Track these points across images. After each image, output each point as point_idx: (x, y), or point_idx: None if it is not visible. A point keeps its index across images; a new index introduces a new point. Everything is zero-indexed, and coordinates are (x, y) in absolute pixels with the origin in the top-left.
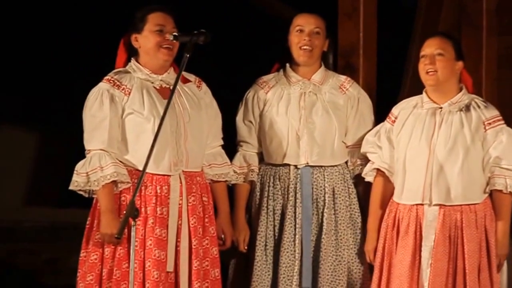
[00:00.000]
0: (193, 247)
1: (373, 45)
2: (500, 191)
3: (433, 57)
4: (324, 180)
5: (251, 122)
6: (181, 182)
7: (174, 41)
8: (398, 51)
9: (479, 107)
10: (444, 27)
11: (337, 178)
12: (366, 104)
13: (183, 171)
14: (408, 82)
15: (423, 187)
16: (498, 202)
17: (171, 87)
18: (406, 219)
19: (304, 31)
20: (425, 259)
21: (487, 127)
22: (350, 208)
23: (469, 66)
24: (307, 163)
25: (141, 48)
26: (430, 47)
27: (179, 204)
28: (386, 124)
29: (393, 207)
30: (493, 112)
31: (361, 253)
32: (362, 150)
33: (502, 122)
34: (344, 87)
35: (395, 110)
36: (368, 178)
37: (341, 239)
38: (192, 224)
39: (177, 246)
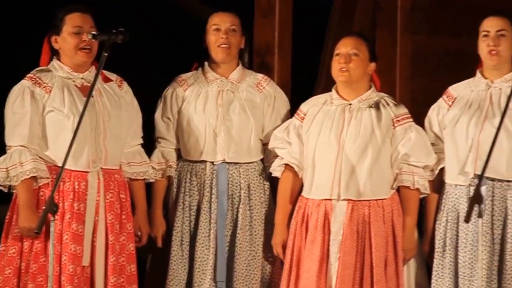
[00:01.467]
0: (109, 242)
1: (288, 44)
2: (408, 187)
3: (349, 56)
4: (240, 177)
5: (169, 119)
6: (99, 179)
7: (93, 40)
8: (313, 49)
9: (388, 104)
10: (358, 26)
11: (252, 174)
12: (282, 102)
13: (101, 168)
14: (322, 79)
15: (331, 182)
16: (405, 198)
17: None
18: (315, 214)
19: (220, 30)
20: (333, 253)
21: (395, 124)
22: (265, 204)
23: (383, 65)
24: (224, 160)
25: (61, 49)
26: (346, 46)
27: (97, 200)
28: (294, 121)
29: (302, 202)
30: (402, 110)
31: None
32: (270, 145)
33: (411, 120)
34: (261, 86)
35: (304, 107)
36: (276, 173)
37: (255, 235)
38: (109, 220)
39: (94, 242)
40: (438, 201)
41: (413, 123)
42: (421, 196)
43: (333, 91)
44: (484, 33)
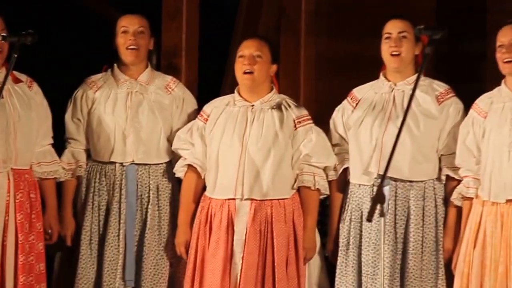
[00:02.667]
0: (19, 242)
1: (195, 46)
2: (309, 187)
3: (252, 58)
4: (149, 178)
5: (79, 120)
6: (9, 179)
7: (3, 41)
8: (220, 51)
9: (289, 106)
10: (264, 28)
11: (161, 175)
12: (190, 104)
13: (11, 168)
14: (229, 80)
15: (235, 183)
16: (306, 198)
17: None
18: (218, 214)
19: (128, 32)
20: (237, 253)
21: (297, 126)
22: (174, 204)
23: (288, 67)
24: (133, 161)
25: None
26: (249, 48)
27: (7, 200)
28: (198, 122)
29: (206, 202)
30: (303, 112)
31: None
32: (174, 146)
33: (311, 121)
34: (170, 87)
35: (207, 108)
36: (179, 174)
37: (164, 235)
38: (19, 220)
39: (4, 241)
40: (342, 200)
41: (313, 124)
42: (322, 196)
43: (236, 92)
44: (386, 35)
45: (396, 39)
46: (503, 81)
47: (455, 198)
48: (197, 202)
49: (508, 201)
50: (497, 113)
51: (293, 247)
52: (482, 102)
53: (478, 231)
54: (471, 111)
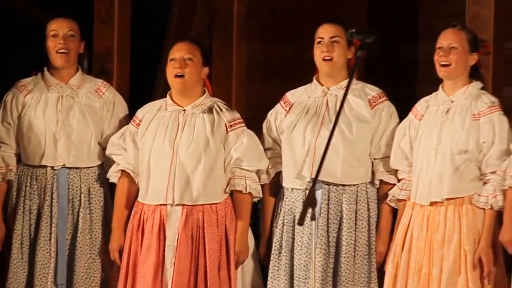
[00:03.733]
0: None
1: (127, 50)
2: (240, 191)
3: (183, 61)
4: (80, 181)
5: (9, 124)
6: None
7: None
8: (152, 55)
9: (221, 110)
10: (196, 32)
11: (92, 179)
12: (121, 108)
13: None
14: (161, 84)
15: (166, 188)
16: (238, 202)
17: None
18: (150, 219)
19: (58, 35)
20: (168, 258)
21: (228, 129)
22: (106, 208)
23: (220, 70)
24: (64, 165)
25: None
26: (180, 52)
27: None
28: (130, 127)
29: (138, 208)
30: (235, 115)
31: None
32: (107, 152)
33: (243, 124)
34: (100, 91)
35: (139, 113)
36: (113, 179)
37: (95, 238)
38: None
39: None
40: (275, 204)
41: (245, 128)
42: (255, 199)
43: (168, 97)
44: (318, 39)
45: (328, 44)
46: (440, 85)
47: (389, 200)
48: (131, 207)
49: (432, 203)
50: (430, 116)
51: (224, 251)
52: (420, 105)
53: (407, 233)
54: (410, 114)
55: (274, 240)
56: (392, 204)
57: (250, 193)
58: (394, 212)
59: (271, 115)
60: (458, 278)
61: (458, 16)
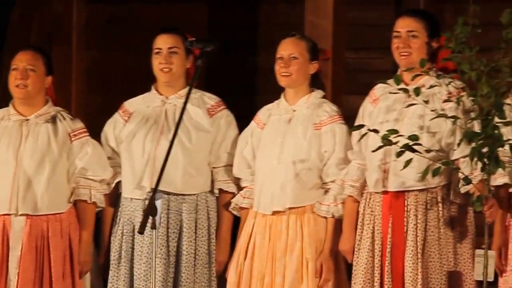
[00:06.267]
0: None
1: None
2: (85, 201)
3: (25, 71)
4: None
5: None
6: None
7: None
8: None
9: (64, 119)
10: (36, 40)
11: None
12: None
13: None
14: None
15: (9, 198)
16: (82, 211)
17: None
18: None
19: None
20: (12, 269)
21: (72, 139)
22: None
23: (59, 80)
24: None
25: None
26: (22, 62)
27: None
28: None
29: None
30: (78, 125)
31: None
32: None
33: (87, 134)
34: None
35: None
36: None
37: None
38: None
39: None
40: (114, 214)
41: (89, 137)
42: (97, 209)
43: (11, 106)
44: (156, 50)
45: (166, 55)
46: (282, 93)
47: (232, 208)
48: None
49: (275, 212)
50: (273, 124)
51: (69, 261)
52: (262, 113)
53: (249, 242)
54: (252, 122)
55: (113, 250)
56: (235, 212)
57: (94, 203)
58: (235, 221)
59: (109, 124)
60: (300, 286)
61: (298, 26)
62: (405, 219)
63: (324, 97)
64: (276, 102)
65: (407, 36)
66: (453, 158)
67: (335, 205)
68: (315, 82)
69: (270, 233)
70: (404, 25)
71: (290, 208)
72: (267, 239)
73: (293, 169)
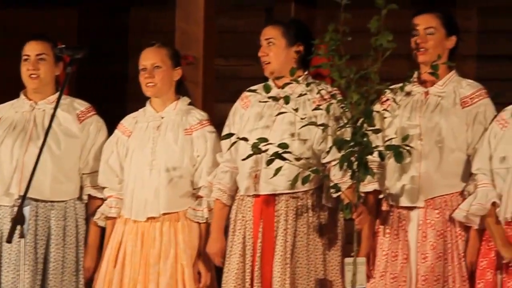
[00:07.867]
0: None
1: None
2: None
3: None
4: None
5: None
6: None
7: None
8: None
9: None
10: None
11: None
12: None
13: None
14: None
15: None
16: None
17: None
18: None
19: None
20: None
21: None
22: None
23: None
24: None
25: None
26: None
27: None
28: None
29: None
30: None
31: None
32: None
33: None
34: None
35: None
36: None
37: None
38: None
39: None
40: None
41: None
42: None
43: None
44: (25, 57)
45: (34, 62)
46: (148, 101)
47: (98, 218)
48: None
49: (148, 219)
50: (141, 132)
51: None
52: (126, 121)
53: (119, 250)
54: (116, 131)
55: None
56: (100, 223)
57: None
58: (104, 228)
59: None
60: None
61: (169, 33)
62: (275, 224)
63: (190, 103)
64: (141, 110)
65: None
66: (323, 161)
67: (208, 210)
68: (180, 89)
69: (142, 240)
70: None
71: (164, 214)
72: (139, 246)
73: (166, 175)
